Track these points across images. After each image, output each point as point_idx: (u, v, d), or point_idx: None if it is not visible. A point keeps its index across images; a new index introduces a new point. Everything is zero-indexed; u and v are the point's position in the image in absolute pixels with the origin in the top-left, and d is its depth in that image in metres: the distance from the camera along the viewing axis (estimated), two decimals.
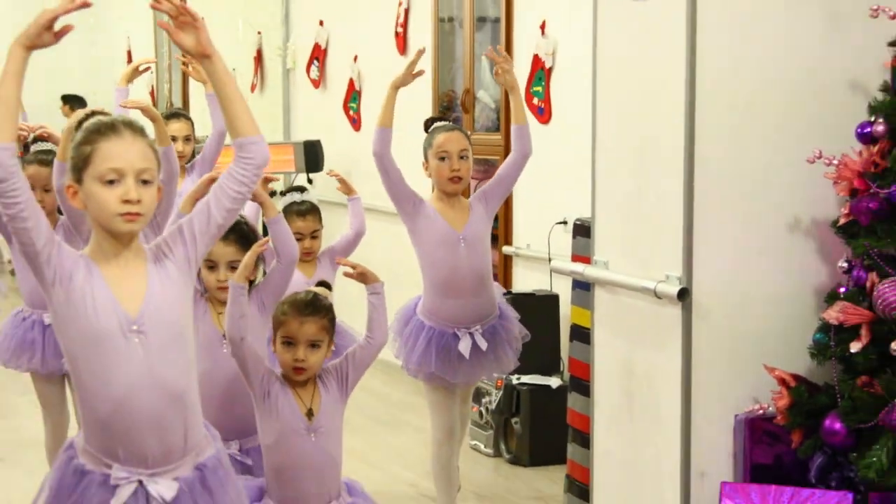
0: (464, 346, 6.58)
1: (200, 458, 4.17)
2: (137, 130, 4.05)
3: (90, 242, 4.09)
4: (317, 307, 4.92)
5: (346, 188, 6.93)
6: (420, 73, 6.76)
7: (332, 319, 4.99)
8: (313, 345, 4.90)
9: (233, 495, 4.25)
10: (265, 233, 5.61)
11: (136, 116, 5.43)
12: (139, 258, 4.07)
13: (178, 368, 4.09)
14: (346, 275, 5.21)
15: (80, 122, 4.41)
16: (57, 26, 3.86)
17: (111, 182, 3.95)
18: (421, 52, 6.82)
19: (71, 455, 4.16)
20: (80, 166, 4.00)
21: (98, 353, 3.99)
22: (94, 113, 4.48)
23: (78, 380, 4.06)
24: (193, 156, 7.69)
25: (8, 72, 3.84)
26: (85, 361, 4.02)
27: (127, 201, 3.95)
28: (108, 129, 4.01)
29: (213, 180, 5.06)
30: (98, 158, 3.97)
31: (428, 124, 6.90)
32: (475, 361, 6.63)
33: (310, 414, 4.90)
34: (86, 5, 3.88)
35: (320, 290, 5.05)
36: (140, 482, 4.05)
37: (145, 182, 3.99)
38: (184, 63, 7.79)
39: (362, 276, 5.15)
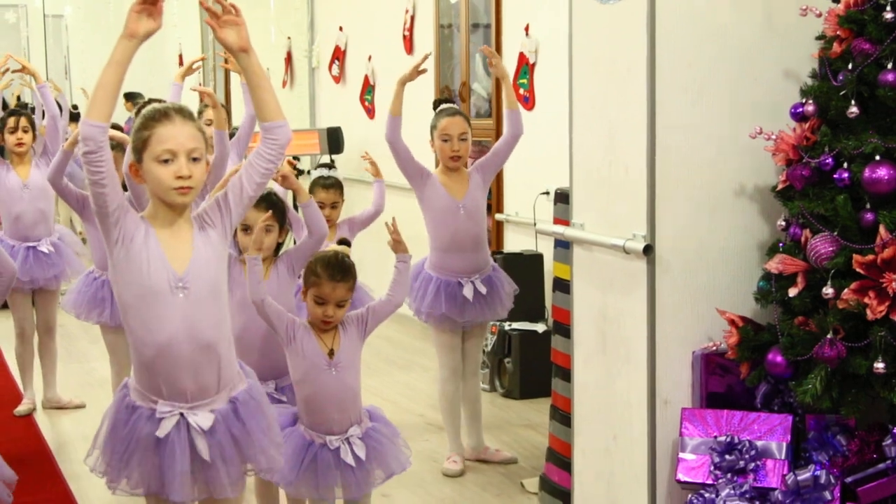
0: (468, 291, 6.69)
1: (233, 393, 4.18)
2: (187, 115, 4.08)
3: (148, 208, 4.13)
4: (345, 272, 4.91)
5: (375, 170, 6.95)
6: (423, 71, 6.78)
7: (355, 278, 4.99)
8: (340, 304, 4.91)
9: (263, 423, 4.26)
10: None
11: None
12: (188, 225, 4.10)
13: (212, 321, 4.12)
14: (389, 244, 5.20)
15: (138, 110, 4.43)
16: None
17: (166, 161, 3.99)
18: (427, 56, 6.86)
19: (125, 394, 4.20)
20: (139, 148, 4.05)
21: (148, 304, 4.02)
22: (150, 101, 4.49)
23: (129, 327, 4.10)
24: (231, 137, 7.69)
25: (111, 60, 3.89)
26: (136, 311, 4.05)
27: (180, 177, 3.98)
28: (162, 115, 4.04)
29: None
30: (154, 141, 4.01)
31: (436, 105, 6.93)
32: (477, 304, 6.72)
33: (331, 353, 4.91)
34: None
35: (341, 248, 5.03)
36: (181, 414, 4.07)
37: (195, 159, 4.02)
38: (225, 60, 7.80)
39: (398, 244, 5.16)
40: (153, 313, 4.02)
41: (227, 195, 4.14)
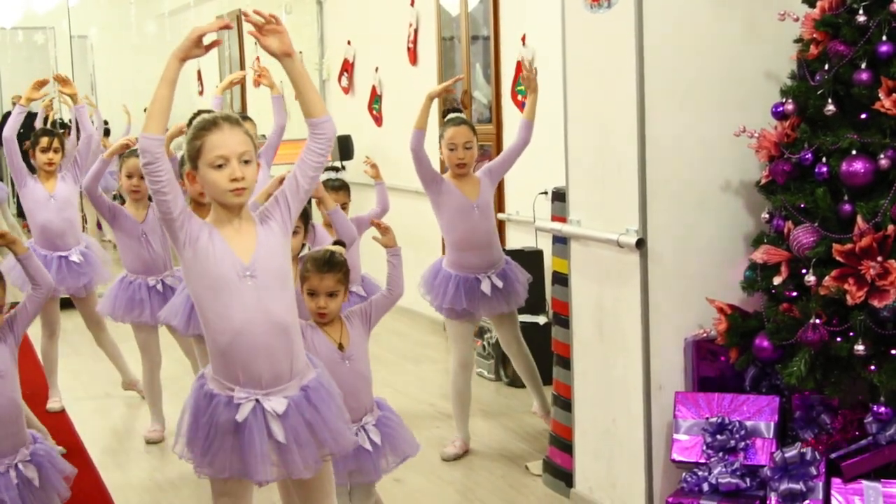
0: (485, 286, 6.73)
1: (304, 381, 4.21)
2: (234, 121, 4.13)
3: (211, 213, 4.18)
4: (332, 264, 4.90)
5: (375, 173, 6.96)
6: (452, 91, 6.82)
7: (346, 272, 4.95)
8: (331, 294, 4.90)
9: (334, 409, 4.28)
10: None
11: None
12: (249, 221, 4.15)
13: (283, 305, 4.15)
14: (375, 238, 5.21)
15: (189, 121, 4.45)
16: (206, 41, 3.98)
17: (220, 166, 4.03)
18: (458, 79, 6.89)
19: (202, 383, 4.24)
20: (194, 156, 4.10)
21: (219, 294, 4.06)
22: (200, 112, 4.53)
23: (204, 319, 4.14)
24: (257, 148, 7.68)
25: (164, 78, 3.95)
26: (209, 302, 4.09)
27: (234, 179, 4.03)
28: (212, 124, 4.09)
29: (282, 180, 5.10)
30: (207, 149, 4.06)
31: (444, 114, 6.95)
32: (495, 297, 6.75)
33: (341, 347, 4.92)
34: (228, 27, 4.02)
35: (336, 248, 5.04)
36: (257, 400, 4.10)
37: (246, 162, 4.07)
38: (257, 75, 7.78)
39: (388, 240, 5.15)
40: (225, 301, 4.06)
41: (284, 191, 4.19)
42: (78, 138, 8.32)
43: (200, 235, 4.05)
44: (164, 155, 3.93)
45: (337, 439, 4.28)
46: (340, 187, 6.85)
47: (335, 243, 5.14)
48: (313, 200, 5.76)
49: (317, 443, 4.21)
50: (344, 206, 6.81)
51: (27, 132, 8.51)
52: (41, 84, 8.13)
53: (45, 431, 6.92)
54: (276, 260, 4.14)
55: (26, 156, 8.10)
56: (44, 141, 8.10)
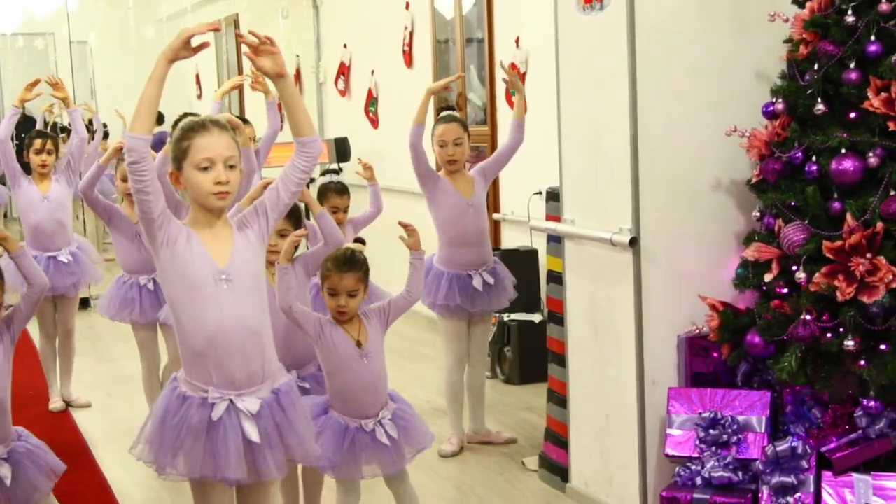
0: (478, 282, 6.74)
1: (275, 385, 4.22)
2: (223, 126, 4.13)
3: (189, 214, 4.19)
4: (353, 263, 4.93)
5: (370, 174, 6.97)
6: (450, 89, 6.81)
7: (367, 271, 4.99)
8: (351, 294, 4.93)
9: (300, 413, 4.29)
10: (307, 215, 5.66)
11: None
12: (227, 226, 4.15)
13: (256, 310, 4.15)
14: (401, 238, 5.14)
15: (175, 123, 4.46)
16: (195, 43, 3.95)
17: (205, 168, 4.04)
18: (460, 76, 6.87)
19: (174, 386, 4.22)
20: (179, 157, 4.09)
21: (195, 297, 4.06)
22: (186, 115, 4.54)
23: (178, 322, 4.13)
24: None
25: (153, 78, 3.93)
26: (184, 306, 4.08)
27: (218, 182, 4.03)
28: (200, 126, 4.09)
29: (267, 185, 5.11)
30: (193, 150, 4.05)
31: (438, 112, 6.95)
32: (486, 294, 6.76)
33: (359, 344, 4.94)
34: (216, 29, 4.02)
35: (356, 245, 5.06)
36: (231, 400, 4.11)
37: (231, 167, 4.07)
38: (255, 80, 7.76)
39: (413, 242, 5.14)
40: (200, 305, 4.06)
41: (264, 202, 4.20)
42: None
43: (179, 238, 4.05)
44: (150, 155, 3.93)
45: (303, 445, 4.29)
46: (344, 190, 6.88)
47: (356, 240, 5.16)
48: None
49: (283, 447, 4.22)
50: (346, 210, 6.83)
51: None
52: (33, 85, 8.14)
53: None
54: (250, 266, 4.15)
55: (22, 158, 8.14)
56: (37, 143, 8.12)
